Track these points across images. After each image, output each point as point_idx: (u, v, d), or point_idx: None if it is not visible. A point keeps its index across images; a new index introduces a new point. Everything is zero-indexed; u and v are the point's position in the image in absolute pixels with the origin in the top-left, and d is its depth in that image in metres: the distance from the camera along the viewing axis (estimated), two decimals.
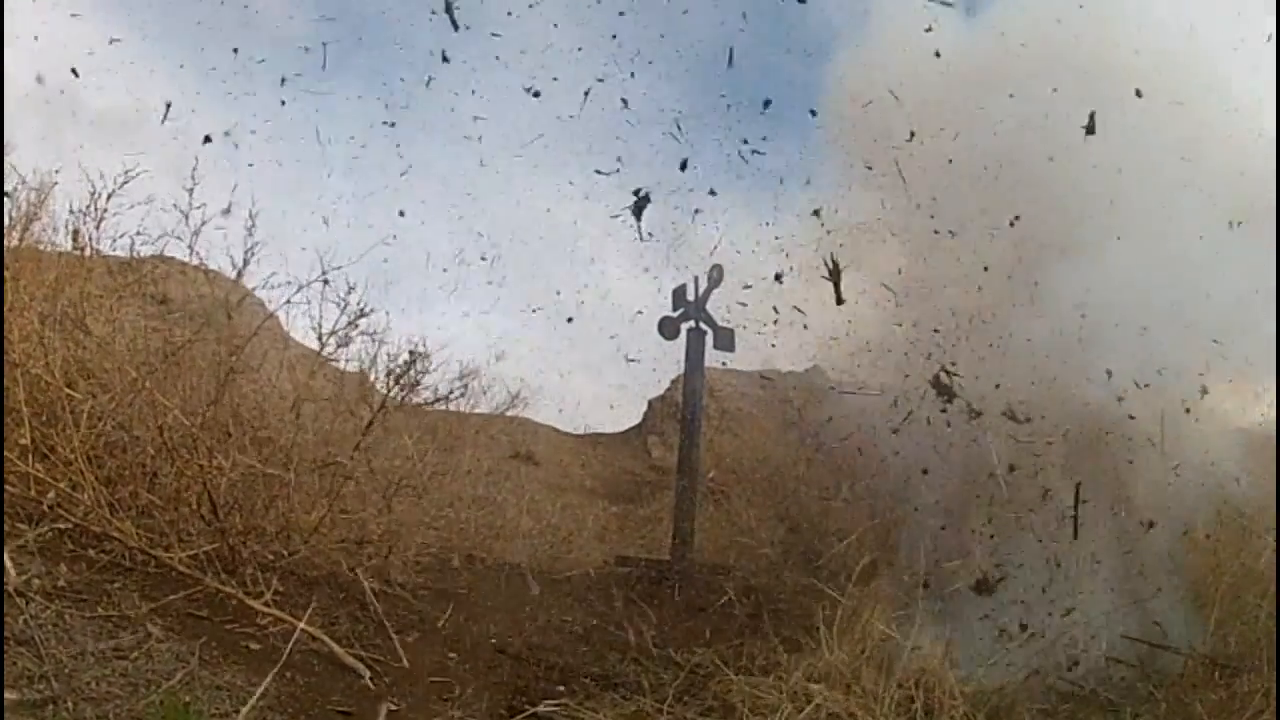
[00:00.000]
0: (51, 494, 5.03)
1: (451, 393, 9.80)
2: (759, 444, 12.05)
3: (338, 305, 7.00)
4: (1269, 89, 6.77)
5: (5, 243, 7.02)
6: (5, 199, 7.18)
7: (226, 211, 7.12)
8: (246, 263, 7.17)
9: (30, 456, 5.16)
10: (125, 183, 7.09)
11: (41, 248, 7.55)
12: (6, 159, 7.19)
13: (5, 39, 6.82)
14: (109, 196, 7.07)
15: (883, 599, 6.51)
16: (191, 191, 7.00)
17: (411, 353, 7.30)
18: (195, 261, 7.54)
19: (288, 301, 6.95)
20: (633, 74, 8.19)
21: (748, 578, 8.58)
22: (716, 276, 9.21)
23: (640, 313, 9.49)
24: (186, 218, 7.02)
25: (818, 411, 10.01)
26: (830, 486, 9.75)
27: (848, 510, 9.17)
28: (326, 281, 6.92)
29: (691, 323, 9.26)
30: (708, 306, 9.25)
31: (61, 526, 4.96)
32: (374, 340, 7.92)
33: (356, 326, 7.13)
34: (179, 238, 7.07)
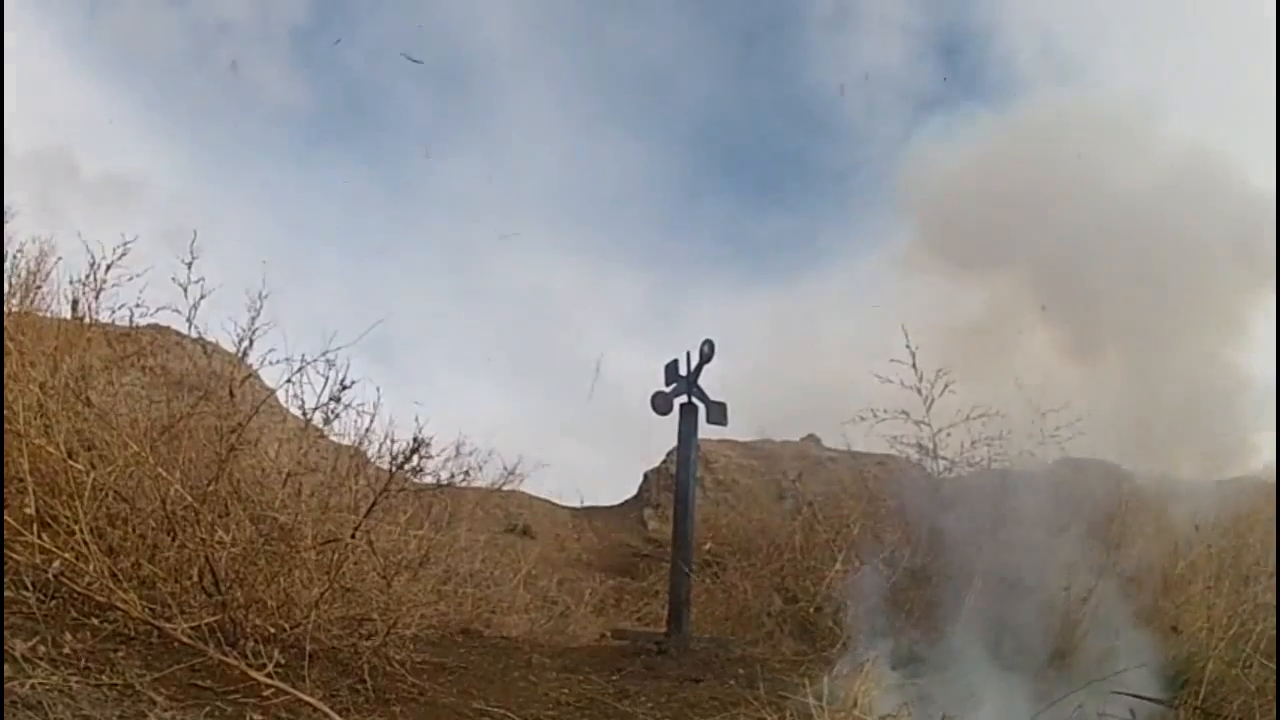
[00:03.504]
0: (57, 563, 5.07)
1: (454, 477, 9.76)
2: (754, 514, 12.06)
3: (323, 377, 6.94)
4: None
5: (5, 309, 7.09)
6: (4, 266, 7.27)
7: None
8: (252, 342, 7.18)
9: (35, 526, 5.20)
10: (123, 254, 7.18)
11: (42, 314, 7.63)
12: (6, 226, 7.32)
13: (5, 107, 6.97)
14: (108, 268, 7.16)
15: (878, 668, 6.51)
16: (190, 265, 7.04)
17: (415, 438, 7.26)
18: (194, 334, 7.60)
19: (288, 380, 6.99)
20: (628, 146, 8.44)
21: (744, 648, 8.55)
22: (708, 351, 9.24)
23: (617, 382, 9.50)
24: (185, 290, 7.06)
25: (813, 481, 10.10)
26: (826, 556, 9.76)
27: (843, 580, 9.17)
28: (326, 358, 6.95)
29: (684, 397, 9.29)
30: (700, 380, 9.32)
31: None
32: (365, 415, 7.96)
33: (340, 401, 7.10)
34: (177, 310, 7.09)
